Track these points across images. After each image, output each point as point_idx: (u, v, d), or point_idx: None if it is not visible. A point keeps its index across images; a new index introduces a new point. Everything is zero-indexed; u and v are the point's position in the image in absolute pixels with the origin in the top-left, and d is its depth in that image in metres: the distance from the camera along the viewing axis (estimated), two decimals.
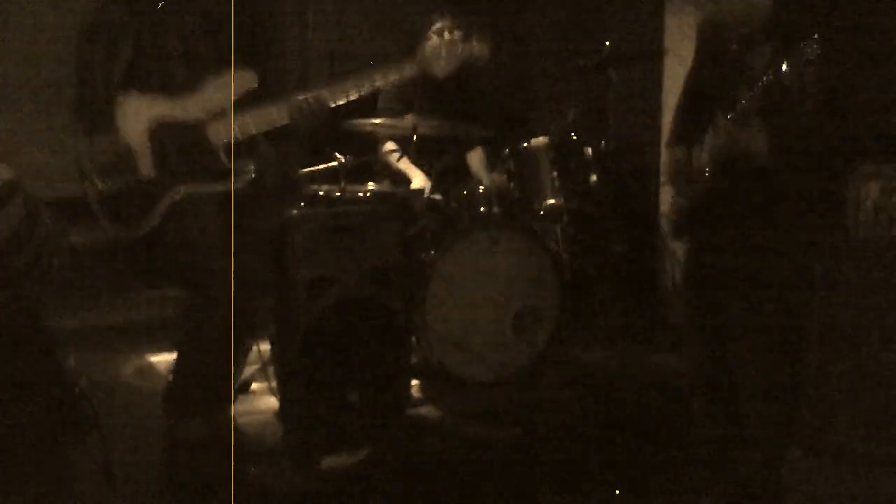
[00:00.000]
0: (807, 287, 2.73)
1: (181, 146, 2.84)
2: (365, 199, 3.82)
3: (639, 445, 3.25)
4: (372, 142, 4.40)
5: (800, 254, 2.69)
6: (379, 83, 2.98)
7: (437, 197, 4.11)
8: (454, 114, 4.27)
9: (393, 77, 2.98)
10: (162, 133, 2.83)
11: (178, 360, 3.11)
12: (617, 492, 2.93)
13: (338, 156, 3.79)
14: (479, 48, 3.01)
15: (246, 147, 2.95)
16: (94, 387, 2.71)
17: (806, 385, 3.01)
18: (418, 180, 4.20)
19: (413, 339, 3.78)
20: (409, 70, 2.98)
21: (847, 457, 3.05)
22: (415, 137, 4.06)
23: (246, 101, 2.90)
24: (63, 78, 2.97)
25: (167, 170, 2.84)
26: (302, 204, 3.67)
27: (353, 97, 2.96)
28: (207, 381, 3.05)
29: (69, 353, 3.31)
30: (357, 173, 3.96)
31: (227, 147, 2.88)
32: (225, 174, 2.89)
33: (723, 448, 2.76)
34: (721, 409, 2.77)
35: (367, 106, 4.32)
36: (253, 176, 2.94)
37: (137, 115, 2.81)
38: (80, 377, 2.57)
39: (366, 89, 2.96)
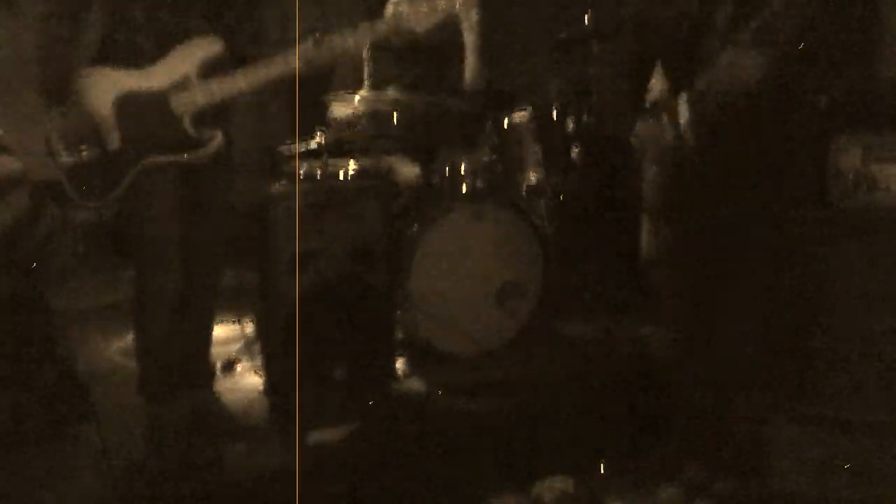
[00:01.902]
0: (787, 257, 2.75)
1: (146, 117, 2.81)
2: (347, 175, 3.80)
3: (624, 417, 3.26)
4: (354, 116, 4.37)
5: (780, 224, 2.71)
6: (351, 44, 2.91)
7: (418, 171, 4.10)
8: (435, 88, 4.24)
9: (367, 36, 2.91)
10: (127, 104, 2.80)
11: (138, 340, 3.10)
12: (602, 462, 2.95)
13: (318, 132, 3.78)
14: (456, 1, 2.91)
15: (213, 116, 2.91)
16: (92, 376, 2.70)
17: (789, 354, 3.04)
18: (406, 171, 4.18)
19: (397, 314, 3.78)
20: (378, 30, 2.89)
21: (831, 424, 3.08)
22: (395, 114, 4.05)
23: (211, 69, 2.86)
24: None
25: (133, 141, 2.81)
26: (284, 181, 3.65)
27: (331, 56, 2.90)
28: (175, 360, 3.03)
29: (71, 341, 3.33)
30: (338, 149, 3.94)
31: (193, 116, 2.85)
32: (190, 144, 2.86)
33: (707, 418, 2.78)
34: (704, 380, 2.79)
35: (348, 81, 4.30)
36: (219, 145, 2.90)
37: (103, 88, 2.78)
38: (80, 366, 2.56)
39: (340, 50, 2.90)
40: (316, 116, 3.89)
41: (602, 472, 2.95)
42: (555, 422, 3.29)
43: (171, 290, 2.90)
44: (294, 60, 2.85)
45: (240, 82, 2.85)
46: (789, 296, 3.01)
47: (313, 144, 3.81)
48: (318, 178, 3.67)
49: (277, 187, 3.53)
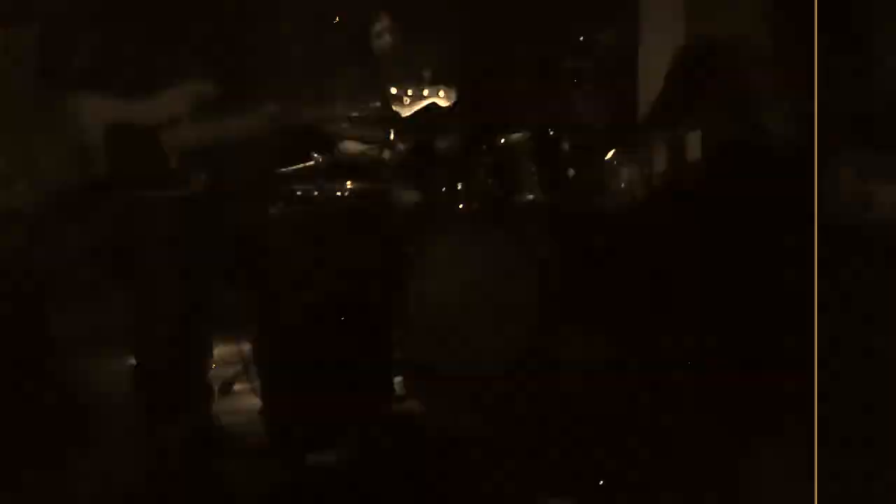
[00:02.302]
0: (780, 277, 2.76)
1: (134, 149, 2.83)
2: (343, 197, 3.81)
3: (625, 437, 3.26)
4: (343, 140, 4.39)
5: (775, 242, 2.72)
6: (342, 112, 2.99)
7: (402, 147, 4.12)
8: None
9: (357, 111, 2.98)
10: (117, 134, 2.81)
11: (136, 364, 3.10)
12: (601, 483, 2.95)
13: (314, 155, 3.80)
14: (444, 96, 3.01)
15: (199, 155, 2.94)
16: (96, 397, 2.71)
17: (780, 371, 3.04)
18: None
19: (395, 335, 3.78)
20: (373, 107, 2.95)
21: (818, 442, 3.08)
22: (392, 133, 4.07)
23: (204, 111, 2.90)
24: None
25: (119, 171, 2.83)
26: (279, 203, 3.66)
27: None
28: (173, 383, 3.04)
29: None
30: (334, 171, 3.96)
31: (179, 153, 2.87)
32: (175, 180, 2.87)
33: (707, 438, 2.79)
34: (702, 400, 2.80)
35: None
36: (203, 186, 2.93)
37: (95, 116, 2.80)
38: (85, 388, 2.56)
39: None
40: (312, 139, 3.91)
41: (603, 493, 2.94)
42: (554, 442, 3.29)
43: (170, 314, 2.91)
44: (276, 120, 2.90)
45: (229, 127, 2.89)
46: (782, 315, 3.02)
47: (308, 167, 3.83)
48: (315, 200, 3.68)
49: (274, 209, 3.54)
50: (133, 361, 3.49)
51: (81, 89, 2.81)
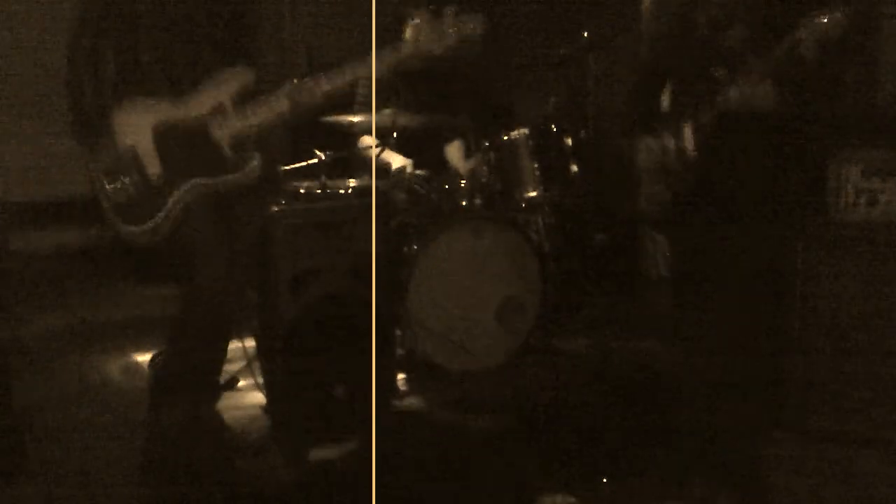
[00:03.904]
0: (789, 272, 2.77)
1: (186, 145, 2.87)
2: (346, 195, 3.82)
3: (623, 434, 3.27)
4: (350, 137, 4.40)
5: (781, 240, 2.73)
6: (362, 72, 2.97)
7: (419, 172, 4.12)
8: (433, 106, 4.27)
9: (383, 63, 2.97)
10: (167, 133, 2.85)
11: (169, 354, 3.12)
12: (604, 480, 2.95)
13: (317, 152, 3.80)
14: (473, 22, 2.97)
15: (250, 140, 2.98)
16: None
17: (790, 369, 3.05)
18: (399, 161, 4.21)
19: (397, 331, 3.79)
20: (400, 51, 2.94)
21: (830, 438, 3.09)
22: (394, 133, 4.08)
23: (243, 96, 2.93)
24: (50, 81, 2.98)
25: (174, 169, 2.86)
26: (283, 201, 3.67)
27: (343, 85, 2.96)
28: (196, 376, 3.06)
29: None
30: (337, 169, 3.96)
31: (231, 141, 2.91)
32: (231, 168, 2.92)
33: (707, 433, 2.79)
34: (704, 395, 2.80)
35: (344, 101, 4.33)
36: (258, 167, 2.98)
37: (140, 119, 2.84)
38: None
39: (351, 78, 2.97)
40: (315, 136, 3.92)
41: (604, 488, 2.94)
42: (556, 438, 3.29)
43: (209, 309, 2.93)
44: (313, 89, 2.92)
45: (271, 109, 2.92)
46: (789, 310, 3.03)
47: (311, 165, 3.84)
48: (317, 197, 3.69)
49: (277, 206, 3.55)
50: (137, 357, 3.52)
51: (123, 98, 2.85)
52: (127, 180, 2.83)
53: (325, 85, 2.94)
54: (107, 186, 2.84)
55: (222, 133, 2.91)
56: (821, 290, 3.08)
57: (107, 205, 2.85)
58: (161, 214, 2.85)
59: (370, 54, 2.92)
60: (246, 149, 2.97)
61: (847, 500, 2.79)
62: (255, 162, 2.98)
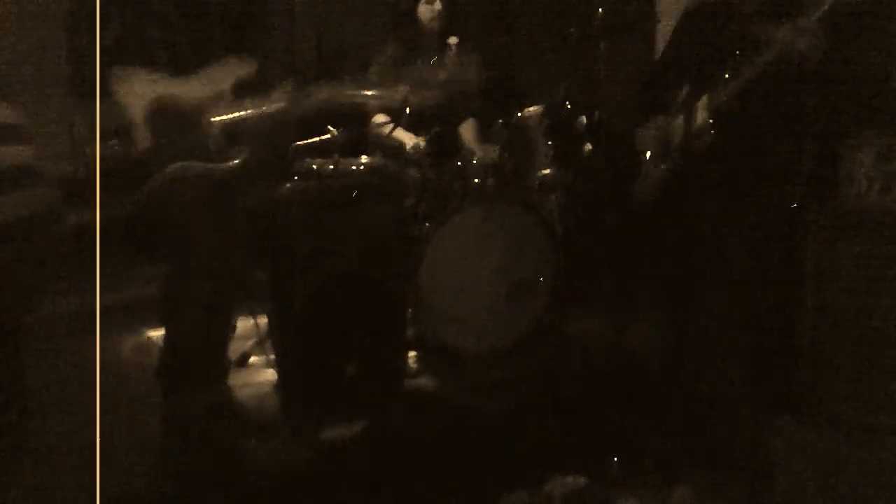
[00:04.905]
0: (799, 258, 2.76)
1: (178, 124, 2.85)
2: (358, 173, 3.81)
3: (633, 415, 3.28)
4: (363, 114, 4.38)
5: (792, 224, 2.72)
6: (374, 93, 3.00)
7: (422, 145, 4.12)
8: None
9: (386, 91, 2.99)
10: (161, 108, 2.83)
11: (166, 336, 3.13)
12: (615, 459, 2.96)
13: (330, 129, 3.79)
14: (472, 72, 3.01)
15: (238, 132, 2.96)
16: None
17: (799, 354, 3.04)
18: (412, 140, 4.20)
19: (409, 311, 3.79)
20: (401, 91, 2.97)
21: (840, 425, 3.08)
22: (407, 109, 4.05)
23: (244, 88, 2.93)
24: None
25: (162, 145, 2.85)
26: (295, 178, 3.66)
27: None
28: (199, 355, 3.07)
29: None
30: (350, 147, 3.95)
31: (220, 130, 2.89)
32: (216, 156, 2.90)
33: (716, 419, 2.79)
34: (713, 381, 2.80)
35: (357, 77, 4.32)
36: (244, 161, 2.95)
37: (138, 90, 2.83)
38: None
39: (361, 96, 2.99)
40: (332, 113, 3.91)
41: (614, 470, 2.96)
42: (566, 420, 3.30)
43: (202, 288, 2.94)
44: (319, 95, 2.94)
45: (270, 105, 2.91)
46: (800, 297, 3.02)
47: (324, 142, 3.82)
48: (329, 175, 3.68)
49: (289, 185, 3.55)
50: (151, 334, 3.53)
51: (125, 66, 2.83)
52: (115, 144, 2.82)
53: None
54: (89, 150, 2.82)
55: (215, 120, 2.90)
56: (833, 275, 3.07)
57: (87, 173, 2.84)
58: (143, 190, 2.84)
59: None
60: (235, 140, 2.95)
61: (857, 487, 2.79)
62: (243, 156, 2.95)
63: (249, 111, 2.91)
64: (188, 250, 2.91)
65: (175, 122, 2.86)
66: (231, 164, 2.93)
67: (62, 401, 3.09)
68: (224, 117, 2.89)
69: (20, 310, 2.38)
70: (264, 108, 2.93)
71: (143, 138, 2.83)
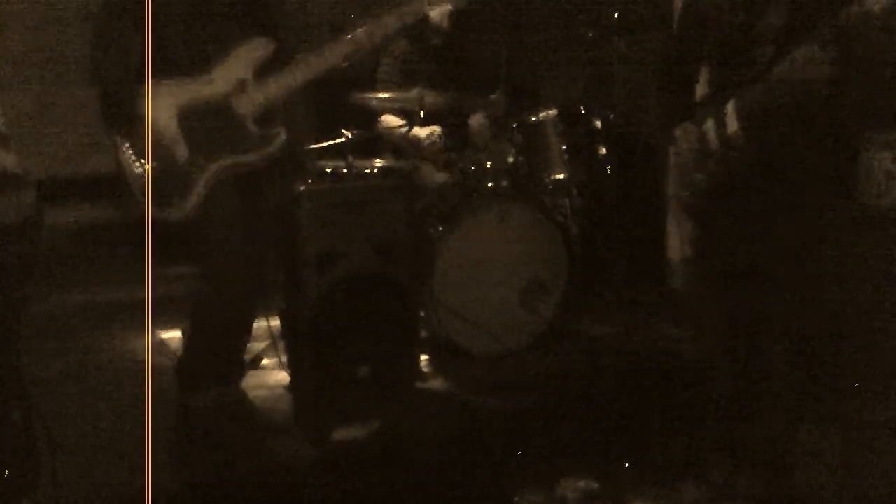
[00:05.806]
0: (818, 257, 2.74)
1: (211, 124, 2.87)
2: (372, 174, 3.81)
3: (649, 417, 3.26)
4: (373, 115, 4.39)
5: (811, 224, 2.70)
6: (390, 27, 2.97)
7: (437, 133, 4.09)
8: (460, 86, 4.25)
9: (405, 17, 2.97)
10: (191, 115, 2.85)
11: (190, 335, 3.14)
12: (626, 465, 2.94)
13: (344, 131, 3.79)
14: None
15: (275, 114, 2.99)
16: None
17: (820, 356, 3.01)
18: (427, 131, 4.20)
19: (422, 313, 3.78)
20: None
21: (860, 427, 3.05)
22: (421, 112, 4.06)
23: (265, 69, 2.93)
24: (69, 57, 2.99)
25: (201, 150, 2.86)
26: (309, 180, 3.66)
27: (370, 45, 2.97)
28: (220, 356, 3.09)
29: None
30: (364, 148, 3.95)
31: (254, 116, 2.90)
32: (256, 144, 2.92)
33: (731, 418, 2.77)
34: (728, 380, 2.78)
35: (368, 78, 4.33)
36: (283, 141, 2.97)
37: (165, 102, 2.83)
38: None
39: (379, 35, 2.97)
40: (340, 115, 3.91)
41: (626, 471, 2.94)
42: (579, 420, 3.29)
43: (232, 290, 2.95)
44: (341, 52, 2.93)
45: (293, 79, 2.91)
46: (819, 296, 2.99)
47: (338, 144, 3.83)
48: (343, 177, 3.68)
49: (303, 186, 3.54)
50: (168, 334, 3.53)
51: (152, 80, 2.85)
52: (154, 164, 2.83)
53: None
54: (136, 170, 2.84)
55: (246, 109, 2.90)
56: (851, 275, 3.03)
57: (135, 187, 2.85)
58: (190, 198, 2.85)
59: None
60: (272, 123, 2.96)
61: (872, 485, 2.76)
62: (282, 136, 2.97)
63: (276, 93, 2.92)
64: (226, 253, 2.92)
65: (206, 123, 2.87)
66: (273, 147, 2.94)
67: (59, 400, 3.10)
68: (254, 106, 2.91)
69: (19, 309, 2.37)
70: (290, 83, 2.93)
71: (179, 150, 2.84)
